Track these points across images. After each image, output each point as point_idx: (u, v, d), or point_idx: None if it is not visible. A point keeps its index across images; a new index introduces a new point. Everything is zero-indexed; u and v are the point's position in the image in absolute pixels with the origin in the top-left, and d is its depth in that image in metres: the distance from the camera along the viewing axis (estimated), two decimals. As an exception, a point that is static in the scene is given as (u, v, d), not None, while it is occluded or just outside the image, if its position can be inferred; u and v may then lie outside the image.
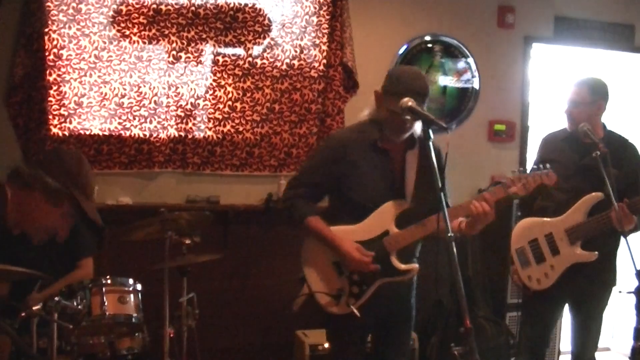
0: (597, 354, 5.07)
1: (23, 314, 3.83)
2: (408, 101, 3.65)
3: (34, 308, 3.85)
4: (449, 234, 3.29)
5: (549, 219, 4.80)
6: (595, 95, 4.68)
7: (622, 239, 4.42)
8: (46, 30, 5.55)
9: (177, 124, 5.98)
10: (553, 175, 3.92)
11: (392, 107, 3.79)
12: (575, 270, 4.68)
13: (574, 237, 4.65)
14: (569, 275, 4.71)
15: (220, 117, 6.09)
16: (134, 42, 5.85)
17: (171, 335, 4.81)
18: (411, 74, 3.95)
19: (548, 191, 4.77)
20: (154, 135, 5.94)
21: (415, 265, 4.02)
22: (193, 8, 5.96)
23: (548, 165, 3.95)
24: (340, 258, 3.96)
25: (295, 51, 6.26)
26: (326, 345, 5.37)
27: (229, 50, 6.11)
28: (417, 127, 3.89)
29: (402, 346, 4.30)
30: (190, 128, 6.01)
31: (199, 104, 6.04)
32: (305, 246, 4.14)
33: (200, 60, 6.03)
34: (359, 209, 3.96)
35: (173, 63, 5.96)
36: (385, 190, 3.96)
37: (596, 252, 4.60)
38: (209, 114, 6.07)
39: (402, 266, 3.96)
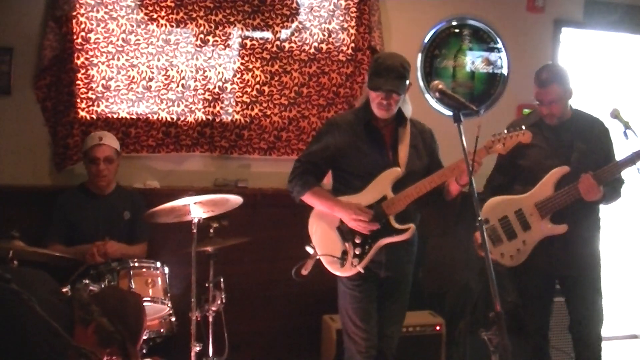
0: (623, 342, 5.06)
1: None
2: (438, 84, 3.88)
3: (63, 290, 3.88)
4: (479, 218, 3.31)
5: (517, 196, 4.93)
6: (565, 85, 4.84)
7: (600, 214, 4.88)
8: (74, 13, 5.55)
9: (204, 107, 5.97)
10: (528, 135, 4.31)
11: (369, 85, 4.32)
12: (561, 244, 4.81)
13: (544, 211, 4.79)
14: (557, 251, 4.83)
15: (248, 100, 6.08)
16: (162, 25, 5.83)
17: (198, 319, 4.82)
18: (386, 55, 4.59)
19: (527, 173, 4.95)
20: (182, 118, 5.93)
21: (412, 225, 4.43)
22: (220, -9, 5.96)
23: (524, 127, 4.34)
24: (340, 216, 4.42)
25: (324, 35, 6.23)
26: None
27: (257, 34, 6.08)
28: (408, 109, 4.54)
29: (396, 315, 4.72)
30: (218, 111, 6.00)
31: (226, 87, 6.02)
32: (312, 215, 4.63)
33: (228, 44, 6.01)
34: (358, 180, 4.46)
35: (201, 46, 5.94)
36: (380, 162, 4.44)
37: (565, 225, 4.75)
38: (237, 97, 6.06)
39: (399, 225, 4.40)
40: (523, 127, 4.27)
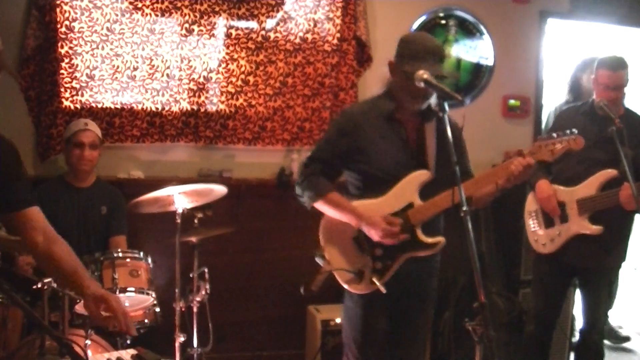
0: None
1: (35, 287, 3.83)
2: (423, 74, 3.55)
3: (45, 281, 3.85)
4: (463, 208, 3.26)
5: (563, 188, 4.91)
6: (629, 76, 4.81)
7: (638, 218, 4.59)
8: (58, 2, 5.52)
9: (189, 97, 5.95)
10: (581, 141, 3.69)
11: (407, 69, 3.64)
12: (587, 241, 4.79)
13: (584, 208, 4.78)
14: (581, 246, 4.83)
15: (233, 90, 6.06)
16: (147, 14, 5.80)
17: (182, 309, 4.81)
18: (424, 36, 3.95)
19: (567, 160, 4.79)
20: (166, 108, 5.91)
21: (442, 239, 3.86)
22: (206, -20, 5.93)
23: (575, 131, 3.70)
24: (365, 230, 3.79)
25: (309, 25, 6.21)
26: (338, 320, 5.38)
27: (242, 24, 6.06)
28: (434, 99, 3.76)
29: (418, 328, 4.14)
30: (203, 101, 5.98)
31: (211, 77, 6.00)
32: (323, 224, 4.03)
33: (213, 34, 5.99)
34: (378, 182, 3.83)
35: (186, 36, 5.91)
36: (404, 162, 3.83)
37: (601, 227, 4.72)
38: (222, 87, 6.04)
39: (429, 239, 3.83)
40: (575, 131, 3.69)
